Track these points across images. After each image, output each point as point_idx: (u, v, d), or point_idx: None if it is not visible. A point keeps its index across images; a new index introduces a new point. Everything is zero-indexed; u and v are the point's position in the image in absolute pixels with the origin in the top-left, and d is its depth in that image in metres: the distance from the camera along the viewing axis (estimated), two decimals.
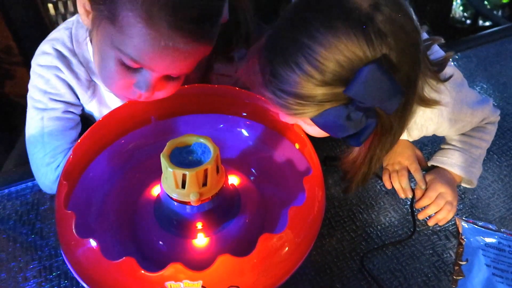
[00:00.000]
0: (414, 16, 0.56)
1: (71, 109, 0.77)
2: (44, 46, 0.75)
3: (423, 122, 0.72)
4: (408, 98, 0.58)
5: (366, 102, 0.53)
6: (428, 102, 0.65)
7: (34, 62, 0.75)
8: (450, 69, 0.70)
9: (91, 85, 0.78)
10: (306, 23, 0.54)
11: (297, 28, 0.54)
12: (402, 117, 0.60)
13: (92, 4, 0.62)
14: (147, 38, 0.57)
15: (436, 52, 0.71)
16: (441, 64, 0.66)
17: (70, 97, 0.76)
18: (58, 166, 0.74)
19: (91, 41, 0.69)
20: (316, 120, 0.57)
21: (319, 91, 0.54)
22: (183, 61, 0.62)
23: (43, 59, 0.74)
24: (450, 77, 0.66)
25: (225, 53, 0.78)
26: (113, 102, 0.80)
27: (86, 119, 0.82)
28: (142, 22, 0.56)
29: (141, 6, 0.56)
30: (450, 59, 0.67)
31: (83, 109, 0.80)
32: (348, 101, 0.54)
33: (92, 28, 0.64)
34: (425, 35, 0.68)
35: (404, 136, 0.75)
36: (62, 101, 0.76)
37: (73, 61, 0.75)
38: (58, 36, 0.75)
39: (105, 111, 0.80)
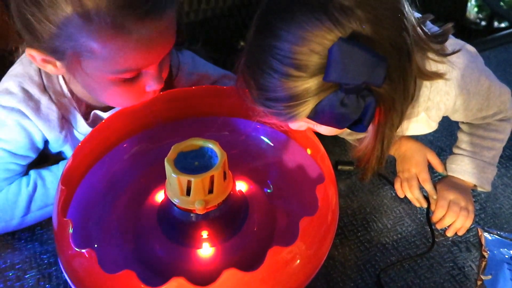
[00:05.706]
0: None
1: (15, 161, 0.70)
2: (9, 83, 0.67)
3: (439, 99, 0.67)
4: (402, 65, 0.55)
5: (350, 81, 0.50)
6: (432, 74, 0.62)
7: None
8: (461, 43, 0.68)
9: (65, 126, 0.72)
10: (269, 26, 0.53)
11: (263, 34, 0.54)
12: (404, 88, 0.57)
13: (54, 55, 0.60)
14: (131, 45, 0.57)
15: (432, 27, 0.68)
16: (442, 35, 0.63)
17: (22, 147, 0.69)
18: None
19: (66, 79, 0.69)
20: (314, 117, 0.55)
21: (302, 87, 0.52)
22: (165, 37, 0.62)
23: (6, 99, 0.67)
24: (459, 50, 0.63)
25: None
26: None
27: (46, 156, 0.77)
28: (117, 36, 0.56)
29: (107, 26, 0.55)
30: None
31: (44, 152, 0.75)
32: (335, 87, 0.52)
33: (70, 73, 0.63)
34: (429, 25, 0.65)
35: (424, 118, 0.70)
36: (9, 150, 0.68)
37: (43, 100, 0.69)
38: (24, 71, 0.68)
39: None
